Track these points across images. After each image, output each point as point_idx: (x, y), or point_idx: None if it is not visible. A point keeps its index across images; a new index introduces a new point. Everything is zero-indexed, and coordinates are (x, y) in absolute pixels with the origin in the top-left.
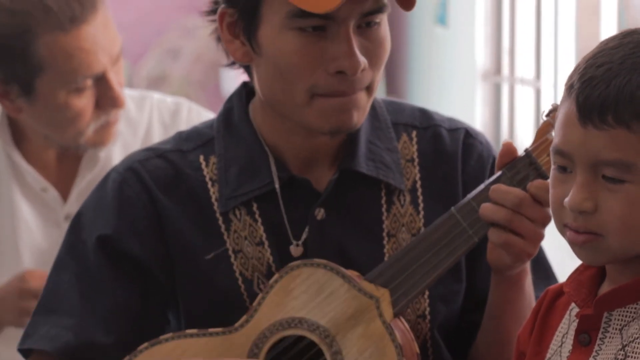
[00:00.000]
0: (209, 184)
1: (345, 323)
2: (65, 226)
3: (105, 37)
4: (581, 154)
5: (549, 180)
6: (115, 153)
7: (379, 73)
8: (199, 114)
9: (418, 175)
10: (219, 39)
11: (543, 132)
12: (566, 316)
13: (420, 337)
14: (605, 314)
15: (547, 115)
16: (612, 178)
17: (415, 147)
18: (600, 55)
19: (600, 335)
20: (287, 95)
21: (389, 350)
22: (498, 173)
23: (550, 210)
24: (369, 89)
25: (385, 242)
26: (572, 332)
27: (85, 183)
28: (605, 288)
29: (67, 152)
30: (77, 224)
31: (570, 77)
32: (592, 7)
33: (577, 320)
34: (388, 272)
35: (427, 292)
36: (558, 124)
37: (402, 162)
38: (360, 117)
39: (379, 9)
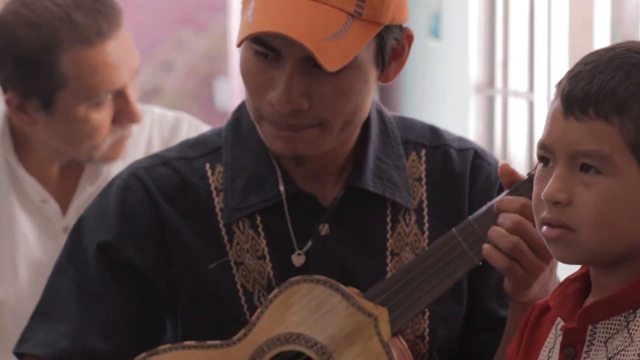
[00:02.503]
0: (214, 194)
1: (343, 340)
2: (63, 239)
3: (127, 52)
4: (561, 145)
5: (534, 178)
6: (115, 167)
7: (341, 116)
8: (198, 129)
9: (425, 195)
10: None
11: None
12: (552, 331)
13: (419, 358)
14: (590, 327)
15: None
16: (589, 166)
17: (424, 166)
18: (591, 55)
19: (585, 349)
20: (249, 107)
21: None
22: (500, 196)
23: None
24: (325, 127)
25: (388, 260)
26: (558, 347)
27: (86, 196)
28: (590, 301)
29: (71, 165)
30: (78, 230)
31: (562, 77)
32: (585, 20)
33: (562, 336)
34: (388, 290)
35: (427, 313)
36: (545, 120)
37: (410, 181)
38: (311, 149)
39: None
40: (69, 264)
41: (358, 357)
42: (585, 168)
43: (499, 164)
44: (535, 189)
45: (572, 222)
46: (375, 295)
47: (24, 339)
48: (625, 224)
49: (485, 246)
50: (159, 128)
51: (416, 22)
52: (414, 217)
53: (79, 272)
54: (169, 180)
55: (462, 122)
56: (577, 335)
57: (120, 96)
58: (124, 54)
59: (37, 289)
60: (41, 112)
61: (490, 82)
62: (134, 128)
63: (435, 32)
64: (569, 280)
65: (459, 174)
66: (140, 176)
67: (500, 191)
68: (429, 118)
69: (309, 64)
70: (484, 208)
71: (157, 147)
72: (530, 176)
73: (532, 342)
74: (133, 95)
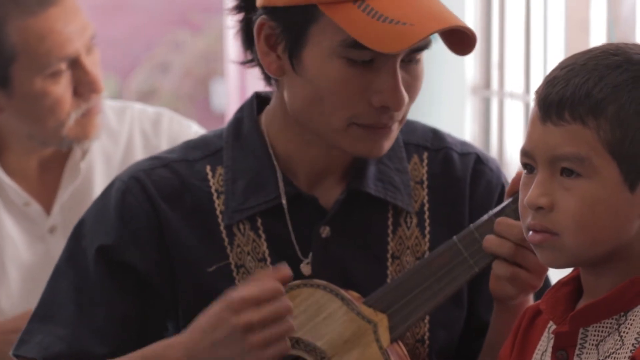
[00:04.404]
0: (215, 196)
1: (342, 346)
2: (49, 239)
3: (75, 21)
4: (540, 151)
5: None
6: (97, 164)
7: (413, 101)
8: (180, 124)
9: (426, 198)
10: (248, 44)
11: None
12: (545, 334)
13: None
14: (581, 330)
15: None
16: (569, 170)
17: (425, 169)
18: (568, 59)
19: (577, 352)
20: (322, 119)
21: None
22: (502, 205)
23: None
24: (404, 117)
25: (389, 263)
26: (550, 350)
27: (68, 195)
28: (581, 305)
29: (51, 164)
30: (78, 232)
31: (540, 83)
32: (582, 21)
33: (554, 339)
34: (388, 297)
35: (427, 317)
36: (526, 127)
37: (412, 184)
38: (389, 145)
39: (425, 46)
40: (69, 266)
41: None
42: (566, 172)
43: (517, 172)
44: (520, 196)
45: (555, 227)
46: (375, 301)
47: (22, 341)
48: (607, 225)
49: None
50: (140, 123)
51: None
52: (415, 221)
53: (78, 275)
54: (169, 182)
55: (458, 124)
56: (569, 338)
57: (77, 66)
58: (72, 21)
59: (27, 291)
60: (0, 94)
61: (486, 84)
62: (114, 124)
63: None
64: (560, 283)
65: (460, 178)
66: (140, 178)
67: (500, 197)
68: (424, 119)
69: (404, 57)
70: (485, 217)
71: (138, 143)
72: None
73: (524, 345)
74: (92, 65)
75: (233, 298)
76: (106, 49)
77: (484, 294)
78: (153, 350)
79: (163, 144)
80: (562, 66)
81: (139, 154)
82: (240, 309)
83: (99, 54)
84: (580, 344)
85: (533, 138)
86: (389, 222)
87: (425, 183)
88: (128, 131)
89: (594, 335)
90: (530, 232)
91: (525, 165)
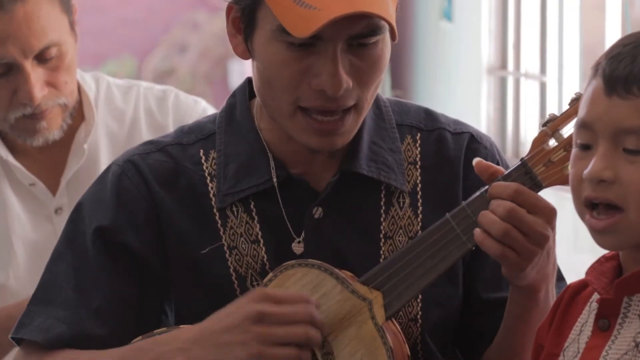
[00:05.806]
0: (208, 179)
1: (338, 324)
2: (56, 219)
3: (20, 29)
4: (604, 124)
5: (570, 160)
6: (102, 144)
7: (370, 91)
8: (186, 101)
9: (419, 179)
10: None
11: (539, 142)
12: (586, 308)
13: (411, 340)
14: (625, 299)
15: (544, 125)
16: (633, 150)
17: (419, 149)
18: (627, 37)
19: (619, 320)
20: (274, 104)
21: (380, 352)
22: (493, 182)
23: (543, 226)
24: (357, 108)
25: (381, 244)
26: (591, 320)
27: (72, 175)
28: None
29: (55, 146)
30: (76, 216)
31: (598, 59)
32: (597, 1)
33: (597, 308)
34: (382, 274)
35: (419, 296)
36: (583, 101)
37: (405, 164)
38: (345, 139)
39: (371, 33)
40: (67, 249)
41: (352, 340)
42: (628, 151)
43: (474, 162)
44: (572, 170)
45: (619, 200)
46: (370, 279)
47: (22, 324)
48: None
49: (477, 232)
50: (145, 101)
51: (428, 4)
52: (407, 201)
53: (76, 257)
54: (164, 165)
55: (475, 104)
56: (612, 306)
57: (19, 72)
58: (16, 30)
59: (35, 271)
60: None
61: (503, 64)
62: (119, 103)
63: (447, 15)
64: (605, 257)
65: (454, 157)
66: (136, 161)
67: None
68: (441, 100)
69: (349, 42)
70: (477, 193)
71: (143, 121)
72: (523, 162)
73: (565, 318)
74: (35, 76)
75: (256, 290)
76: (124, 29)
77: (481, 272)
78: (165, 334)
79: (169, 122)
80: (624, 43)
81: (144, 133)
82: (259, 300)
83: (73, 67)
84: (623, 313)
85: (596, 111)
86: (382, 203)
87: (419, 163)
88: (133, 110)
89: (638, 305)
90: (592, 220)
91: (580, 142)
